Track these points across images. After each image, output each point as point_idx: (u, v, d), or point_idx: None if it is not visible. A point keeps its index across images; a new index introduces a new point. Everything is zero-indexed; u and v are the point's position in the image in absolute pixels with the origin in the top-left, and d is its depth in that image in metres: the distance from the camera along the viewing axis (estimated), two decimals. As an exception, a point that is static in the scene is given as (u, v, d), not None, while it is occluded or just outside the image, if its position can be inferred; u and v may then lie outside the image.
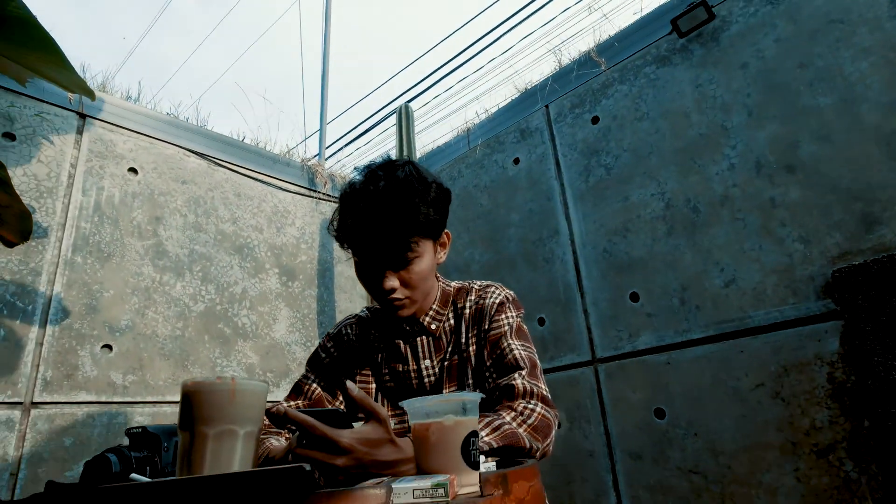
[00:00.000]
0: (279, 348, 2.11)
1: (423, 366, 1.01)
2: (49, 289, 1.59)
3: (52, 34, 1.29)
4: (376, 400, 1.03)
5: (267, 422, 0.94)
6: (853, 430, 1.25)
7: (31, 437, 1.47)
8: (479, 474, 0.56)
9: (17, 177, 1.58)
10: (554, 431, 0.88)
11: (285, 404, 1.03)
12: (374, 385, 1.05)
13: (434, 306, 1.03)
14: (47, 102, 1.70)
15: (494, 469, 0.67)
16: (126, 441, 0.68)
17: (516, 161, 2.14)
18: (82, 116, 1.78)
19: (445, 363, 1.01)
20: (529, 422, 0.84)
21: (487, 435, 0.76)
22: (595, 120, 1.91)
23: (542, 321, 1.91)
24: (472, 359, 1.00)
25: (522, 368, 0.92)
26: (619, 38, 1.90)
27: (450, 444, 0.57)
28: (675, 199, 1.65)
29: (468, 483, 0.55)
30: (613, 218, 1.79)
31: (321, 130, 3.24)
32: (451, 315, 1.04)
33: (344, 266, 2.48)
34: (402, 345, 1.03)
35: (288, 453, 0.72)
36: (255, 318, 2.07)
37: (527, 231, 2.04)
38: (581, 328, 1.80)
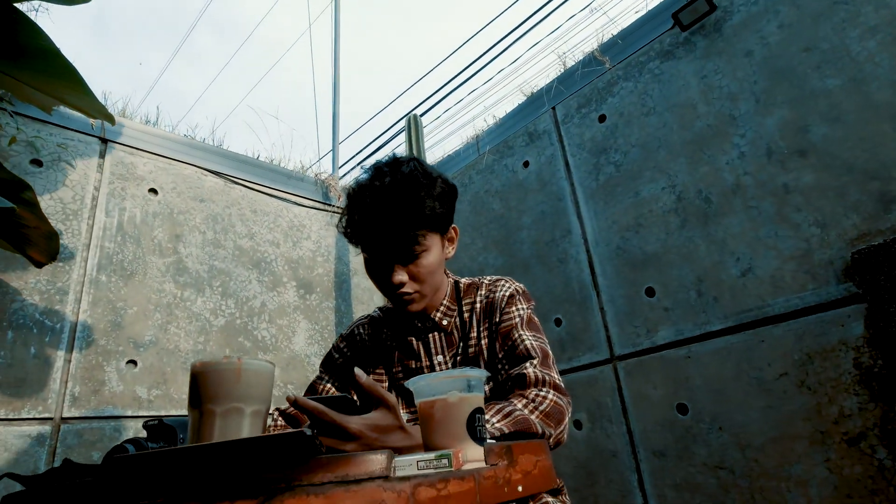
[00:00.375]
0: (299, 360, 2.13)
1: (435, 362, 1.02)
2: (76, 307, 1.64)
3: (74, 64, 1.36)
4: None
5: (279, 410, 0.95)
6: (884, 415, 1.20)
7: (62, 452, 1.51)
8: (484, 448, 0.55)
9: (45, 201, 1.65)
10: (567, 418, 0.88)
11: None
12: (387, 383, 1.06)
13: (445, 302, 1.04)
14: (71, 129, 1.78)
15: None
16: (144, 433, 0.70)
17: (526, 164, 2.15)
18: (104, 141, 1.86)
19: (458, 358, 1.01)
20: (541, 408, 0.83)
21: (499, 421, 0.76)
22: (602, 118, 1.91)
23: (558, 322, 1.90)
24: (485, 352, 1.00)
25: (534, 358, 0.92)
26: (621, 36, 1.91)
27: (455, 420, 0.56)
28: (687, 191, 1.63)
29: (474, 458, 0.55)
30: (625, 214, 1.78)
31: (334, 150, 3.32)
32: (462, 310, 1.05)
33: (360, 278, 2.50)
34: (414, 342, 1.04)
35: None
36: (274, 331, 2.10)
37: (539, 233, 2.03)
38: (598, 326, 1.78)
